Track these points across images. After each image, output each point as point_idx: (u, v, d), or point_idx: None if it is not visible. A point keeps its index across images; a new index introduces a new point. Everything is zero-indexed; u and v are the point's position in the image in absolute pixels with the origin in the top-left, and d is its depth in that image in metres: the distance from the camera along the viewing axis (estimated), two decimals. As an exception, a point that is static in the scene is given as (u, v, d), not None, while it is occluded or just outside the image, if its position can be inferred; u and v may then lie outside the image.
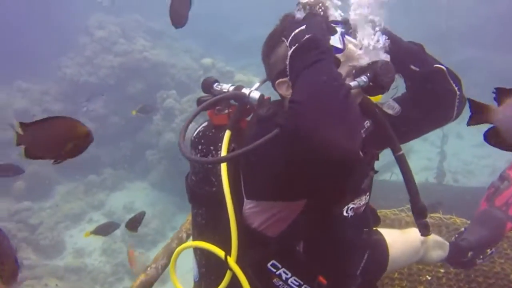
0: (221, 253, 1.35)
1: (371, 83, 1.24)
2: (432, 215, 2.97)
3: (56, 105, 9.99)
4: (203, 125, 1.49)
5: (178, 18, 2.57)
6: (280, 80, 1.30)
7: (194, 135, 1.47)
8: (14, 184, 8.78)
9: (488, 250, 2.21)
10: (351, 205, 1.39)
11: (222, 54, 12.68)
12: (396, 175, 6.13)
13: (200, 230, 1.51)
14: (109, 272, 7.25)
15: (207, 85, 1.50)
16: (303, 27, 1.17)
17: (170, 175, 8.65)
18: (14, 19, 12.94)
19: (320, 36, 1.14)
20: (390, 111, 1.43)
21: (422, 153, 9.10)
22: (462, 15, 12.59)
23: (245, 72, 9.88)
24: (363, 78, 1.24)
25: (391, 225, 2.85)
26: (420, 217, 1.46)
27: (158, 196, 8.82)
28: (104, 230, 4.99)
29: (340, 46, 1.27)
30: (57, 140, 1.48)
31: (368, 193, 1.49)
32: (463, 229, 2.33)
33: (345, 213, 1.37)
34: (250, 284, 1.31)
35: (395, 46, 1.37)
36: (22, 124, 1.44)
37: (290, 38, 1.17)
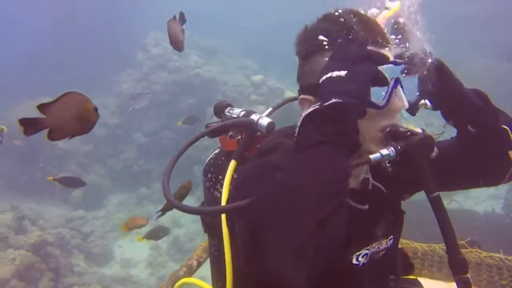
0: None
1: (398, 158, 1.06)
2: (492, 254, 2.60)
3: (113, 118, 10.49)
4: (215, 151, 1.43)
5: (176, 44, 2.83)
6: (305, 97, 1.16)
7: (206, 161, 1.42)
8: (72, 193, 9.28)
9: None
10: (364, 251, 1.21)
11: (276, 71, 12.70)
12: (458, 203, 5.61)
13: (212, 260, 1.48)
14: (153, 285, 7.34)
15: (219, 110, 1.43)
16: (344, 74, 0.96)
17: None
18: (84, 37, 13.91)
19: (352, 102, 0.91)
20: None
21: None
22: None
23: (295, 89, 9.77)
24: (391, 151, 1.06)
25: (439, 263, 2.53)
26: (458, 272, 1.24)
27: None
28: (155, 234, 5.23)
29: (381, 103, 1.06)
30: (72, 115, 1.54)
31: (391, 237, 1.30)
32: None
33: (355, 261, 1.19)
34: None
35: (453, 95, 1.23)
36: (41, 107, 1.48)
37: (322, 79, 0.99)
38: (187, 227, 8.45)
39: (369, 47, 1.02)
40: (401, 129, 1.08)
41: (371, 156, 1.06)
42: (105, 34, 13.71)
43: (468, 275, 1.23)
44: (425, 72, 1.18)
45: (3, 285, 5.78)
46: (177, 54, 10.93)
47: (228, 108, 1.41)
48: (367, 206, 1.18)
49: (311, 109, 0.92)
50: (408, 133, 1.07)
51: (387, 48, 1.09)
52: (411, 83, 1.17)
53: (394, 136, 1.08)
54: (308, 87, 1.14)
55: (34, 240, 6.45)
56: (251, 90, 10.08)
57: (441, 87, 1.22)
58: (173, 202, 1.13)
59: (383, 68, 1.01)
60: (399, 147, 1.06)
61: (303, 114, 0.93)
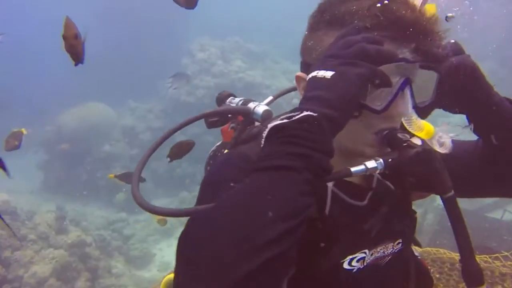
0: None
1: (386, 171, 0.95)
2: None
3: (157, 122, 10.67)
4: (217, 144, 1.41)
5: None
6: (300, 74, 1.04)
7: (209, 153, 1.41)
8: (116, 195, 9.51)
9: None
10: (359, 255, 1.06)
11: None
12: (511, 214, 4.99)
13: None
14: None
15: (220, 100, 1.39)
16: (330, 75, 0.85)
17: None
18: (134, 43, 14.42)
19: (330, 115, 0.81)
20: (438, 148, 1.03)
21: None
22: None
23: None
24: (379, 164, 0.94)
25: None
26: (472, 284, 1.08)
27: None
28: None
29: (378, 107, 0.93)
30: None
31: (399, 240, 1.15)
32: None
33: (347, 265, 1.04)
34: None
35: (479, 101, 1.07)
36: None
37: (308, 77, 0.87)
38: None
39: (387, 42, 0.89)
40: (399, 135, 0.96)
41: (353, 169, 0.93)
42: (151, 39, 14.10)
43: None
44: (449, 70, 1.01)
45: (42, 284, 5.91)
46: (222, 59, 11.00)
47: (230, 98, 1.38)
48: (365, 203, 1.07)
49: (278, 121, 0.80)
50: (405, 143, 0.95)
51: (413, 45, 0.93)
52: (428, 80, 1.01)
53: (390, 143, 0.97)
54: (305, 63, 1.04)
55: (72, 241, 6.57)
56: (293, 94, 9.81)
57: (467, 90, 1.05)
58: (140, 202, 1.03)
59: (390, 66, 0.89)
60: (389, 160, 0.95)
61: (269, 125, 0.81)
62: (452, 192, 1.05)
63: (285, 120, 0.80)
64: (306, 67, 1.00)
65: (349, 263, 1.05)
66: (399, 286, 1.23)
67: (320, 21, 1.01)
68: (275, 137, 0.80)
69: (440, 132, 1.00)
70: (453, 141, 1.00)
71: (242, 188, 0.77)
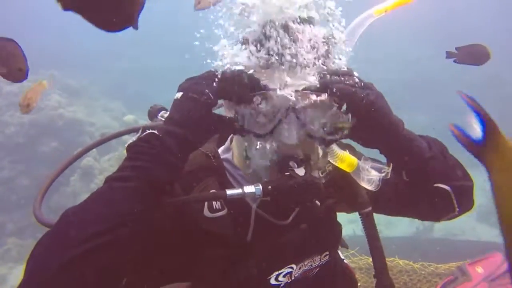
0: None
1: (267, 198, 0.98)
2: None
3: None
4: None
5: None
6: None
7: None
8: None
9: None
10: (285, 270, 1.11)
11: (143, 111, 12.41)
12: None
13: None
14: None
15: (152, 114, 1.42)
16: (179, 95, 0.96)
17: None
18: None
19: (173, 132, 0.91)
20: (366, 185, 1.10)
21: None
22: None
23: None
24: (257, 190, 0.97)
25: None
26: None
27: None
28: None
29: (262, 131, 1.00)
30: None
31: (326, 253, 1.22)
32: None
33: (273, 281, 1.10)
34: None
35: (384, 137, 1.05)
36: None
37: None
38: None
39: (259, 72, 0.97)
40: (290, 163, 0.99)
41: (228, 192, 0.97)
42: None
43: None
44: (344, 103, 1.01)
45: None
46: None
47: (162, 112, 1.40)
48: (288, 221, 1.09)
49: (130, 141, 0.94)
50: (288, 173, 0.98)
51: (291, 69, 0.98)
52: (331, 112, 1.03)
53: (279, 170, 1.00)
54: None
55: None
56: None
57: (373, 129, 1.02)
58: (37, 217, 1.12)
59: (275, 95, 0.96)
60: (269, 187, 0.97)
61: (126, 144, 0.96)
62: (370, 209, 1.15)
63: (134, 139, 0.94)
64: None
65: (276, 279, 1.10)
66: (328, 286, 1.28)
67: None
68: (128, 153, 0.93)
69: (366, 166, 1.07)
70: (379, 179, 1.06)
71: (89, 197, 0.91)
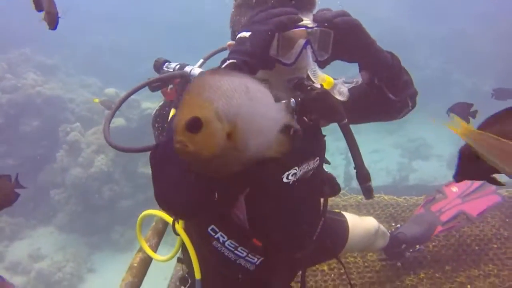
0: (170, 220, 1.48)
1: (297, 108, 1.23)
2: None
3: None
4: (160, 104, 1.56)
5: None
6: (231, 42, 1.34)
7: (153, 113, 1.54)
8: None
9: (417, 246, 2.58)
10: (293, 171, 1.38)
11: (122, 87, 12.30)
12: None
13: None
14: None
15: (157, 66, 1.56)
16: (247, 35, 1.13)
17: (80, 214, 8.05)
18: None
19: (247, 61, 1.08)
20: (339, 97, 1.35)
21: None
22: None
23: (153, 100, 9.74)
24: (292, 102, 1.23)
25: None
26: (364, 181, 1.39)
27: (68, 239, 8.07)
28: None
29: (289, 61, 1.22)
30: None
31: (317, 158, 1.49)
32: (399, 225, 2.75)
33: (285, 179, 1.37)
34: (195, 247, 1.43)
35: (364, 53, 1.32)
36: None
37: (236, 38, 1.17)
38: (51, 257, 7.59)
39: (287, 12, 1.16)
40: (305, 82, 1.26)
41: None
42: None
43: (371, 183, 1.36)
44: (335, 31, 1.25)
45: None
46: (11, 72, 9.72)
47: (166, 63, 1.55)
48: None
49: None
50: (309, 87, 1.25)
51: (311, 12, 1.25)
52: (325, 41, 1.27)
53: (298, 88, 1.26)
54: (233, 34, 1.33)
55: None
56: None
57: (355, 44, 1.28)
58: (111, 143, 1.28)
59: (296, 31, 1.18)
60: (299, 99, 1.25)
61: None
62: (346, 120, 1.37)
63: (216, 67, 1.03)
64: (234, 36, 1.27)
65: (286, 177, 1.37)
66: (320, 189, 1.59)
67: (244, 2, 1.27)
68: None
69: (339, 83, 1.33)
70: (349, 90, 1.32)
71: None
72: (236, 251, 1.41)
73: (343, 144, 1.42)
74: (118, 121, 8.34)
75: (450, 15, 15.80)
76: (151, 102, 8.95)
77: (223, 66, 1.07)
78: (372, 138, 10.07)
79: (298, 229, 1.50)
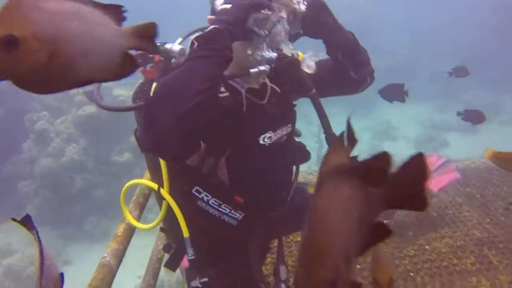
0: (155, 186, 1.58)
1: (272, 74, 1.42)
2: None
3: None
4: (141, 81, 1.62)
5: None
6: (210, 17, 1.43)
7: (134, 90, 1.60)
8: None
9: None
10: (268, 134, 1.52)
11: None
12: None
13: (151, 173, 1.71)
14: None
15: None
16: (229, 6, 1.27)
17: (51, 205, 7.85)
18: None
19: (228, 28, 1.21)
20: (307, 70, 1.55)
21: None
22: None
23: (124, 87, 9.60)
24: (266, 68, 1.38)
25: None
26: (333, 144, 1.56)
27: (39, 232, 7.87)
28: None
29: (263, 34, 1.34)
30: None
31: (289, 125, 1.63)
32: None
33: (261, 141, 1.52)
34: (181, 210, 1.53)
35: (328, 29, 1.54)
36: None
37: (218, 10, 1.32)
38: (23, 251, 7.44)
39: None
40: (278, 52, 1.40)
41: (251, 70, 1.37)
42: None
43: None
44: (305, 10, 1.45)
45: None
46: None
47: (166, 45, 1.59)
48: (265, 101, 1.53)
49: (196, 34, 1.24)
50: (281, 55, 1.40)
51: None
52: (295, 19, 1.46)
53: (271, 58, 1.39)
54: (212, 10, 1.46)
55: None
56: (74, 92, 9.36)
57: (321, 21, 1.51)
58: (100, 104, 1.38)
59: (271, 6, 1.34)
60: (272, 65, 1.40)
61: (191, 38, 1.22)
62: (314, 90, 1.54)
63: (200, 33, 1.20)
64: (213, 11, 1.43)
65: (263, 140, 1.51)
66: (293, 155, 1.72)
67: None
68: (197, 43, 1.21)
69: (307, 58, 1.54)
70: (316, 63, 1.53)
71: (180, 68, 1.18)
72: (220, 208, 1.51)
73: (315, 128, 1.62)
74: (88, 109, 8.18)
75: (422, 4, 16.46)
76: (122, 89, 8.84)
77: (207, 30, 1.19)
78: (343, 121, 10.31)
79: (274, 189, 1.63)
